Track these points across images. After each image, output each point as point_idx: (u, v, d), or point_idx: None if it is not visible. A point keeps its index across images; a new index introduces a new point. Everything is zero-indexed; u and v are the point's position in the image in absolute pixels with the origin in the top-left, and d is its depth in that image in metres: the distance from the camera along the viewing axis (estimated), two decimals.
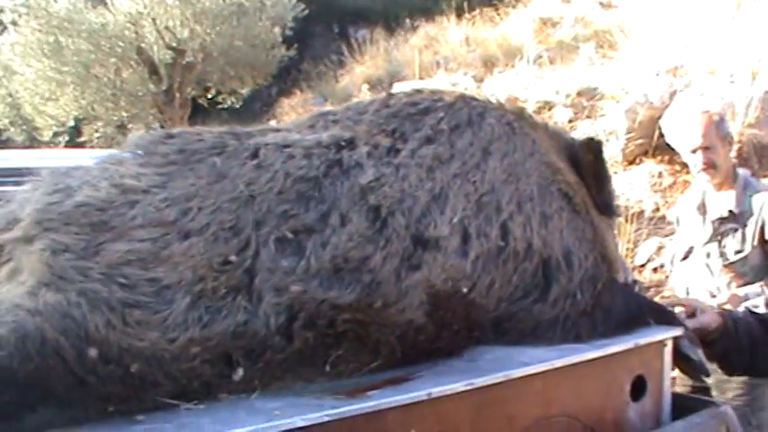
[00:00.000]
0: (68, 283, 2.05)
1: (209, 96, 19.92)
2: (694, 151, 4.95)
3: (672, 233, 6.98)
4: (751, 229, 4.74)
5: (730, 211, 4.82)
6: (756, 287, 4.50)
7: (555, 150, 3.23)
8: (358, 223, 2.44)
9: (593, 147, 3.36)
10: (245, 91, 20.22)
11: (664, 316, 3.14)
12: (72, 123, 19.17)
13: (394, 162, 2.68)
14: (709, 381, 4.77)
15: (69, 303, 2.01)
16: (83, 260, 2.09)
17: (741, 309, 3.52)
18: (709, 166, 4.87)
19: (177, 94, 18.48)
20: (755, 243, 4.74)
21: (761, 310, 3.80)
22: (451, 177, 2.75)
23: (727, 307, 3.91)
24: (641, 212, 8.68)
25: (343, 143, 2.66)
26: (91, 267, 2.09)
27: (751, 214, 4.78)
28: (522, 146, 3.03)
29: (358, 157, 2.62)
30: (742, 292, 4.52)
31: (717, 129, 4.91)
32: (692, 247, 5.11)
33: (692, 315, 3.34)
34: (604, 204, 3.34)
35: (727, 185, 4.91)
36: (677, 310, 3.44)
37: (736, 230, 4.81)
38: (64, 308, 2.00)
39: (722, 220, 4.88)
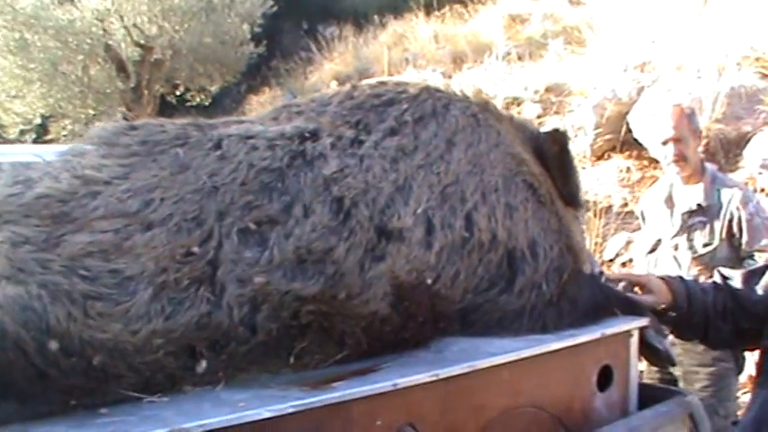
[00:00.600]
0: (29, 275, 2.01)
1: (178, 93, 19.87)
2: (665, 143, 5.01)
3: (639, 228, 7.02)
4: (719, 222, 4.80)
5: (699, 205, 4.87)
6: None
7: (520, 142, 3.23)
8: (321, 214, 2.43)
9: (559, 138, 3.36)
10: (213, 88, 20.20)
11: (630, 306, 3.15)
12: (39, 121, 19.05)
13: (358, 153, 2.67)
14: (677, 372, 4.83)
15: (30, 296, 1.98)
16: (43, 252, 2.07)
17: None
18: (680, 158, 4.92)
19: (145, 92, 18.42)
20: (724, 236, 4.79)
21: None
22: (415, 168, 2.74)
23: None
24: (609, 207, 8.74)
25: (306, 134, 2.64)
26: (52, 259, 2.06)
27: (720, 208, 4.83)
28: (486, 137, 3.02)
29: (321, 149, 2.60)
30: None
31: (688, 121, 4.97)
32: (659, 240, 5.16)
33: (640, 291, 3.34)
34: (570, 196, 3.34)
35: (696, 179, 4.96)
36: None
37: (704, 224, 4.87)
38: (24, 300, 1.97)
39: (691, 213, 4.92)
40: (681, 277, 3.47)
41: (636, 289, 3.36)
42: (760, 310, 3.19)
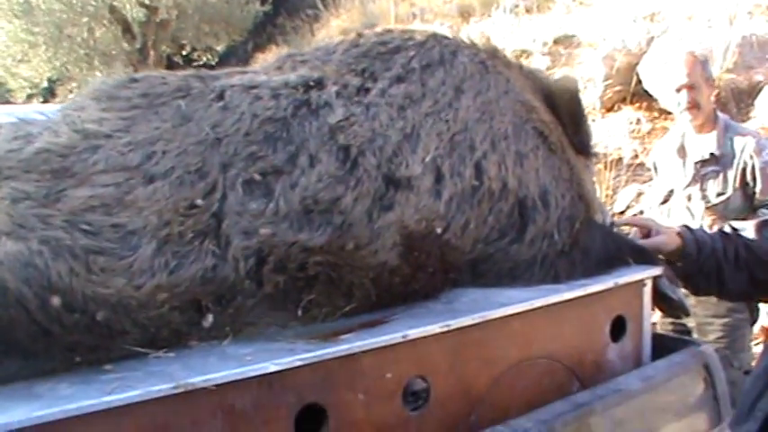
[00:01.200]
0: (29, 231, 1.98)
1: (184, 54, 19.82)
2: (678, 90, 4.94)
3: (650, 179, 6.97)
4: (732, 171, 4.74)
5: (712, 154, 4.81)
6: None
7: (530, 89, 3.17)
8: (328, 164, 2.38)
9: (569, 86, 3.30)
10: (220, 47, 20.14)
11: (643, 255, 3.10)
12: (45, 84, 19.03)
13: (364, 101, 2.61)
14: (691, 323, 4.79)
15: (31, 252, 1.94)
16: (44, 208, 2.03)
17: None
18: (693, 106, 4.86)
19: (151, 52, 18.36)
20: (737, 185, 4.73)
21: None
22: (423, 116, 2.68)
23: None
24: (620, 159, 8.66)
25: (311, 83, 2.59)
26: (53, 215, 2.02)
27: (732, 156, 4.77)
28: (495, 84, 2.97)
29: (327, 97, 2.55)
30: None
31: (701, 68, 4.90)
32: (671, 191, 5.10)
33: (646, 235, 3.29)
34: (581, 144, 3.28)
35: (709, 128, 4.90)
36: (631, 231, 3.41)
37: (717, 173, 4.81)
38: (25, 257, 1.93)
39: (703, 163, 4.86)
40: (686, 225, 3.42)
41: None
42: None
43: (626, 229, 3.61)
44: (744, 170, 4.72)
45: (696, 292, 3.53)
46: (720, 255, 3.18)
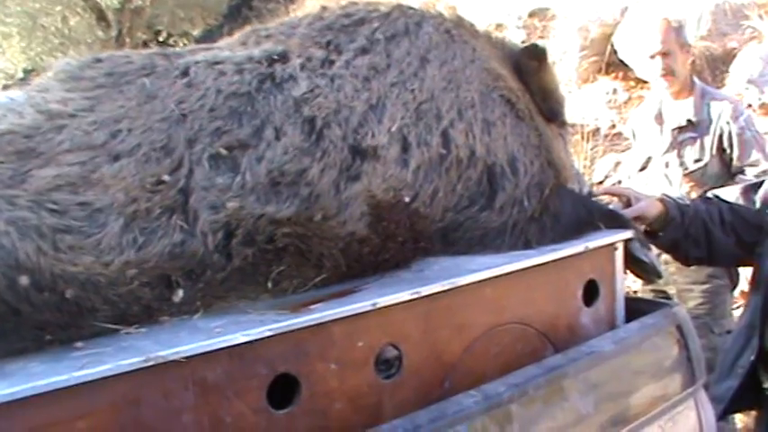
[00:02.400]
0: None
1: (161, 40, 19.70)
2: (653, 57, 4.96)
3: (628, 149, 7.00)
4: (710, 137, 4.78)
5: (689, 120, 4.85)
6: None
7: (497, 58, 3.18)
8: (293, 136, 2.38)
9: (537, 53, 3.31)
10: (196, 32, 20.03)
11: (614, 220, 3.13)
12: (21, 75, 18.89)
13: (328, 73, 2.62)
14: (671, 291, 4.83)
15: None
16: (10, 189, 2.02)
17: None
18: (668, 73, 4.89)
19: (127, 40, 18.26)
20: (714, 152, 4.77)
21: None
22: (389, 87, 2.69)
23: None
24: (597, 130, 8.71)
25: (275, 57, 2.59)
26: (19, 195, 2.01)
27: (709, 123, 4.81)
28: (461, 53, 2.97)
29: (291, 71, 2.55)
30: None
31: (676, 35, 4.92)
32: (649, 158, 5.14)
33: (627, 204, 3.32)
34: (551, 112, 3.30)
35: (685, 94, 4.93)
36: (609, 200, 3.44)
37: (694, 139, 4.85)
38: None
39: (681, 129, 4.90)
40: (665, 194, 3.46)
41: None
42: (759, 220, 3.20)
43: (605, 198, 3.62)
44: (720, 136, 4.76)
45: (686, 260, 3.56)
46: (706, 217, 3.23)
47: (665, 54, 4.91)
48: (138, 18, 18.70)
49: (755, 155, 4.67)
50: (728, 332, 4.69)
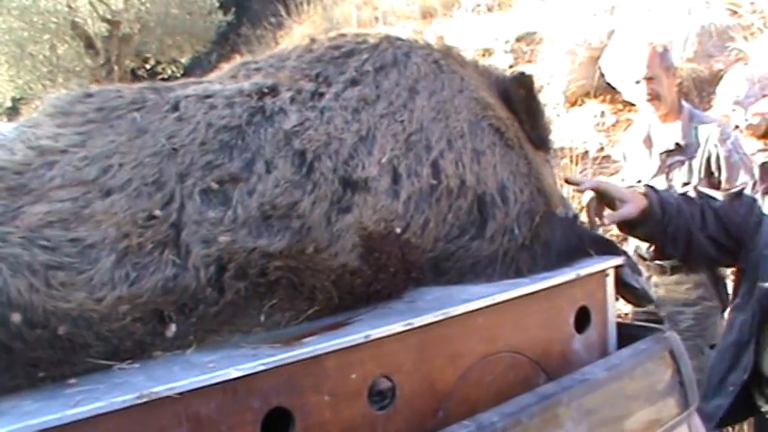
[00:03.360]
0: None
1: (149, 67, 19.77)
2: (638, 82, 4.99)
3: (617, 171, 7.03)
4: (697, 160, 4.80)
5: (677, 144, 4.88)
6: None
7: (485, 87, 3.20)
8: (284, 169, 2.39)
9: (525, 82, 3.33)
10: (184, 59, 20.12)
11: (604, 246, 3.14)
12: (9, 104, 18.91)
13: (318, 106, 2.63)
14: (662, 313, 4.84)
15: None
16: (1, 225, 2.02)
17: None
18: (654, 97, 4.92)
19: (116, 67, 18.29)
20: (702, 175, 4.79)
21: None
22: (378, 118, 2.70)
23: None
24: (586, 153, 8.75)
25: (265, 90, 2.60)
26: (10, 232, 2.01)
27: (697, 146, 4.83)
28: (450, 83, 2.99)
29: (281, 104, 2.56)
30: None
31: (661, 59, 4.96)
32: (638, 181, 5.15)
33: (610, 206, 3.32)
34: (539, 139, 3.32)
35: (673, 117, 4.96)
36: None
37: (682, 162, 4.88)
38: None
39: (669, 153, 4.93)
40: (649, 185, 3.45)
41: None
42: (741, 231, 3.21)
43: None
44: (708, 159, 4.78)
45: (661, 254, 3.57)
46: (689, 218, 3.24)
47: (650, 79, 4.95)
48: (127, 46, 18.74)
49: (743, 177, 4.69)
50: (712, 346, 4.70)
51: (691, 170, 4.85)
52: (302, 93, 2.66)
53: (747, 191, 3.36)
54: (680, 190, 4.78)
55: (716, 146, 4.76)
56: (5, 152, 2.21)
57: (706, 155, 4.79)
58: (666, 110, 4.98)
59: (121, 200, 2.17)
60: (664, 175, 4.96)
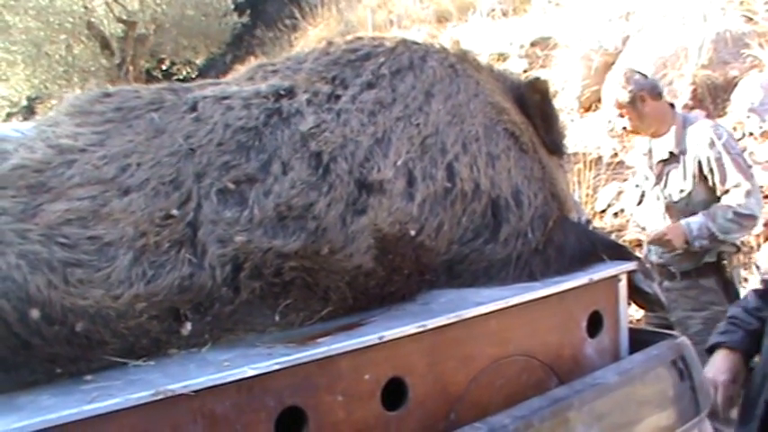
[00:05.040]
0: (7, 246, 1.99)
1: (164, 68, 19.82)
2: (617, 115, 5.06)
3: (630, 177, 7.04)
4: (690, 165, 4.78)
5: (670, 153, 4.87)
6: (698, 216, 4.57)
7: (500, 91, 3.21)
8: (300, 170, 2.42)
9: (540, 86, 3.35)
10: (199, 60, 20.14)
11: (617, 251, 3.15)
12: (25, 103, 18.99)
13: (335, 108, 2.65)
14: (672, 318, 4.84)
15: (9, 266, 1.96)
16: (21, 222, 2.05)
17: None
18: (628, 131, 4.96)
19: (131, 68, 18.33)
20: (696, 180, 4.77)
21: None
22: (394, 121, 2.72)
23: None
24: (599, 158, 8.73)
25: (282, 92, 2.63)
26: (30, 229, 2.04)
27: (688, 151, 4.82)
28: (465, 87, 3.01)
29: (298, 105, 2.59)
30: (684, 222, 4.59)
31: (621, 95, 4.94)
32: (643, 192, 5.17)
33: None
34: (553, 143, 3.33)
35: (665, 130, 4.94)
36: None
37: (677, 170, 4.86)
38: (3, 271, 1.95)
39: (665, 162, 4.93)
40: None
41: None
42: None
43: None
44: (700, 163, 4.77)
45: None
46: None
47: (621, 114, 4.99)
48: (142, 46, 18.79)
49: (736, 176, 4.67)
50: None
51: (685, 176, 4.83)
52: (319, 95, 2.68)
53: None
54: (675, 197, 4.79)
55: (705, 148, 4.74)
56: (26, 150, 2.24)
57: (697, 159, 4.78)
58: (653, 129, 4.98)
59: (139, 199, 2.19)
60: (662, 184, 4.97)
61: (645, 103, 4.91)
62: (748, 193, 4.58)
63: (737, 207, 4.55)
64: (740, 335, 3.21)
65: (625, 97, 4.91)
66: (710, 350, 3.26)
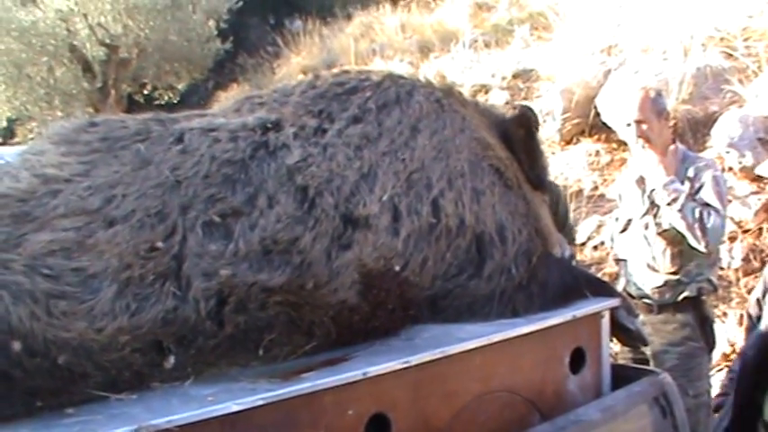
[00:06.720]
0: None
1: (146, 92, 19.79)
2: (629, 125, 5.03)
3: (610, 210, 7.05)
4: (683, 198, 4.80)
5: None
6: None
7: (485, 126, 3.22)
8: (286, 204, 2.41)
9: (524, 122, 3.36)
10: (181, 86, 20.13)
11: (600, 288, 3.16)
12: (5, 124, 18.90)
13: (321, 142, 2.65)
14: (648, 352, 4.85)
15: None
16: (4, 252, 2.03)
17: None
18: (645, 140, 4.94)
19: (112, 91, 18.31)
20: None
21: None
22: (380, 156, 2.73)
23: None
24: (580, 191, 8.75)
25: (269, 125, 2.63)
26: (13, 259, 2.03)
27: (687, 186, 4.84)
28: (451, 123, 3.02)
29: (284, 139, 2.59)
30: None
31: (652, 103, 4.99)
32: (630, 220, 5.18)
33: None
34: (537, 179, 3.34)
35: (665, 159, 4.96)
36: None
37: (672, 201, 4.87)
38: None
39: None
40: None
41: None
42: None
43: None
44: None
45: None
46: None
47: (640, 122, 4.98)
48: (124, 70, 18.77)
49: (715, 201, 4.72)
50: (694, 396, 4.72)
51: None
52: (305, 128, 2.68)
53: None
54: (666, 226, 4.81)
55: (704, 181, 4.78)
56: (10, 179, 2.23)
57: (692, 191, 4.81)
58: (657, 152, 5.01)
59: (124, 230, 2.18)
60: (653, 214, 4.99)
61: (666, 122, 4.98)
62: (718, 214, 4.63)
63: (705, 215, 4.61)
64: None
65: (658, 106, 4.95)
66: None
